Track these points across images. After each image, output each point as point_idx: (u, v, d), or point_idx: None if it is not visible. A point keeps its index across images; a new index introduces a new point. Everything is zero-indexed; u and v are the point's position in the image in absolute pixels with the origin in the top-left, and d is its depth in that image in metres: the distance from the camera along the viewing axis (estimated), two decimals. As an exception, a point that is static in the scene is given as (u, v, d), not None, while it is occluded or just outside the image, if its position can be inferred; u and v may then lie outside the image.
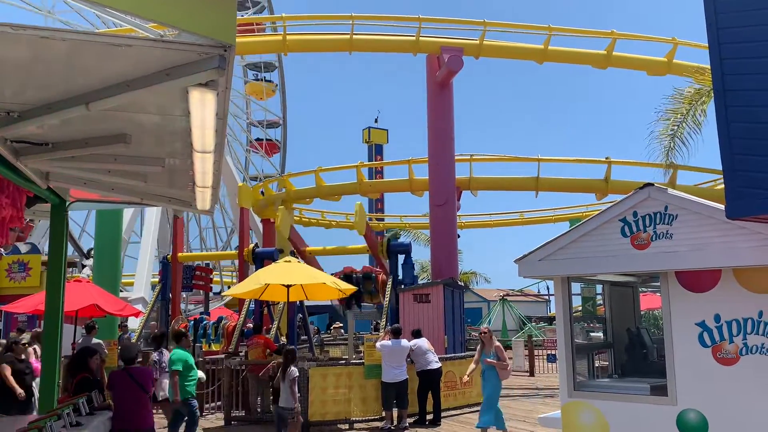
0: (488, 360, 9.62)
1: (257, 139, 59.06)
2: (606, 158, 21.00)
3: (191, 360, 8.95)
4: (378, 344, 11.56)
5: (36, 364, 9.31)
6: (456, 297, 16.03)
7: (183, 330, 10.77)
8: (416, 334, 11.99)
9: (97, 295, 13.51)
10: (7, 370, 8.91)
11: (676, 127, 13.56)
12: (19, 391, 8.80)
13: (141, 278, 31.00)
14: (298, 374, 8.88)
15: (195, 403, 8.75)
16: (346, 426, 11.26)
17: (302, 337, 18.33)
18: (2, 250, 17.68)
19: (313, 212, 30.00)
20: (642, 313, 9.53)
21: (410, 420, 11.45)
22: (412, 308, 14.96)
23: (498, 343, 9.92)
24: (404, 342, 11.43)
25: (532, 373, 20.19)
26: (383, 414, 11.31)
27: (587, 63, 19.34)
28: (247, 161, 60.04)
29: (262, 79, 56.46)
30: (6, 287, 18.03)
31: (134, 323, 22.26)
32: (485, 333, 10.05)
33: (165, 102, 4.13)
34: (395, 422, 11.18)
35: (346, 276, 17.12)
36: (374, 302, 18.92)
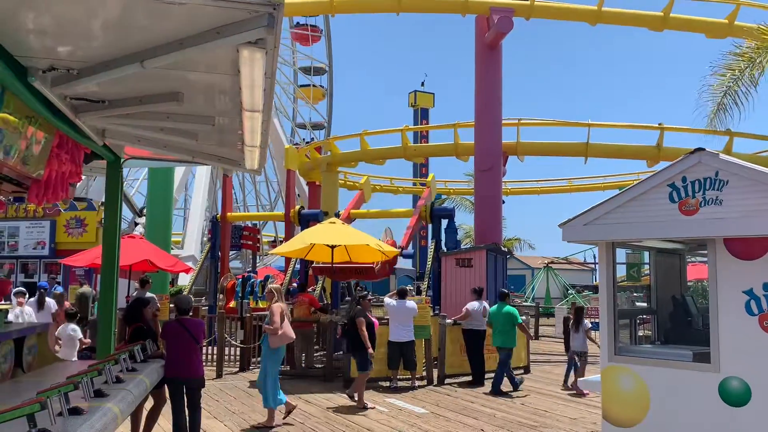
0: (263, 325, 8.53)
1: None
2: (659, 124, 20.38)
3: None
4: (385, 300, 11.88)
5: (374, 319, 10.78)
6: (499, 263, 16.02)
7: (506, 291, 12.47)
8: (478, 293, 12.22)
9: (149, 251, 14.01)
10: (362, 324, 10.11)
11: (731, 83, 12.86)
12: (368, 345, 10.00)
13: (191, 237, 31.93)
14: (590, 325, 11.69)
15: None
16: (387, 383, 11.52)
17: (346, 298, 18.68)
18: (63, 205, 18.49)
19: (358, 176, 30.16)
20: (690, 283, 9.36)
21: (464, 379, 11.92)
22: (455, 273, 15.02)
23: (276, 305, 8.44)
24: (409, 303, 11.43)
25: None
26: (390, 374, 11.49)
27: (643, 25, 18.56)
28: (294, 111, 60.24)
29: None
30: (65, 242, 18.93)
31: (185, 279, 23.03)
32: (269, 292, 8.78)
33: (215, 60, 4.22)
34: (396, 383, 11.30)
35: None
36: None
